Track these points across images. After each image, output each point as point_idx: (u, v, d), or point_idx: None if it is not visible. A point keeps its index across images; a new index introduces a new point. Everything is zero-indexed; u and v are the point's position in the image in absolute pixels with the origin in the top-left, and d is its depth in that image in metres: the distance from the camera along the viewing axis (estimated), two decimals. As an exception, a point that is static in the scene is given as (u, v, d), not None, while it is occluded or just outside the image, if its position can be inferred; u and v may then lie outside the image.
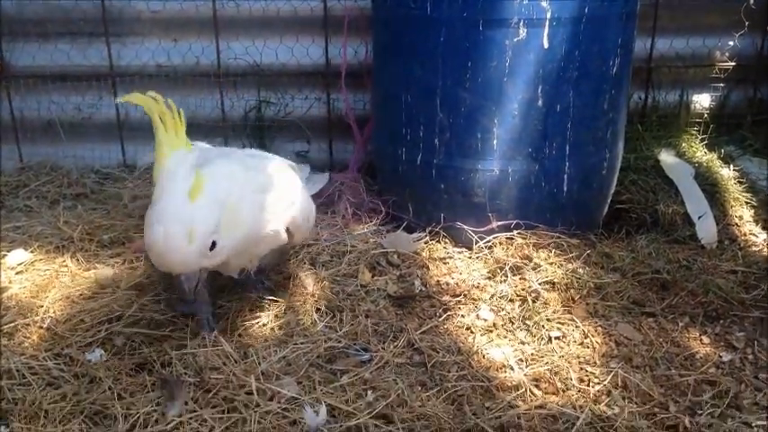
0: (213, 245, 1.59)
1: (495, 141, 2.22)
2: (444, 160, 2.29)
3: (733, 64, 3.04)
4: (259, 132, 3.07)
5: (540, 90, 2.17)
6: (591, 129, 2.28)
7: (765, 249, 2.34)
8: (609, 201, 2.54)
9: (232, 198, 1.63)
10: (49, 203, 2.77)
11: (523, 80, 2.17)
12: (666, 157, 2.85)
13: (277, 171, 1.88)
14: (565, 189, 2.30)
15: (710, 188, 2.65)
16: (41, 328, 1.87)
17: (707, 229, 2.45)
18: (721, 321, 1.94)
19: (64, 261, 2.23)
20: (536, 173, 2.26)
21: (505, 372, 1.74)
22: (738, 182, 2.70)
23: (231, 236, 1.62)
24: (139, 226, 2.43)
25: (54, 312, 1.95)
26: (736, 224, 2.51)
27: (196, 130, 2.99)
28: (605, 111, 2.29)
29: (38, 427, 1.54)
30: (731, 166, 2.80)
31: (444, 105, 2.23)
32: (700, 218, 2.49)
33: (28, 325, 1.89)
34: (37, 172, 2.99)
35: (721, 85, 3.06)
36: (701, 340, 1.86)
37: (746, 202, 2.60)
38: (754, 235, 2.45)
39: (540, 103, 2.18)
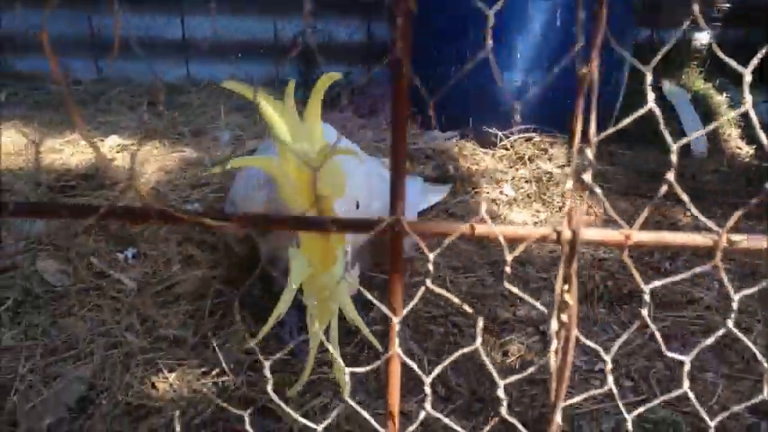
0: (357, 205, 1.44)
1: (518, 55, 2.63)
2: (474, 71, 2.69)
3: (729, 5, 3.43)
4: (305, 56, 3.48)
5: (558, 13, 2.57)
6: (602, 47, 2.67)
7: (747, 158, 2.75)
8: (615, 114, 2.94)
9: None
10: (128, 108, 3.19)
11: (543, 5, 2.57)
12: (668, 85, 3.25)
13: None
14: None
15: (705, 111, 3.06)
16: (147, 186, 2.31)
17: (699, 143, 2.86)
18: (702, 203, 2.35)
19: (153, 145, 2.66)
20: (553, 85, 2.67)
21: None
22: (729, 106, 3.10)
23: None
24: (213, 120, 2.87)
25: (154, 178, 2.38)
26: (725, 140, 2.92)
27: (252, 52, 3.41)
28: (615, 34, 2.68)
29: (159, 248, 1.98)
30: (724, 93, 3.20)
31: (475, 24, 2.63)
32: (693, 134, 2.89)
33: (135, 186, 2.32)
34: (114, 83, 3.41)
35: (719, 24, 3.45)
36: (684, 214, 2.28)
37: (736, 123, 3.00)
38: (739, 148, 2.86)
39: (558, 23, 2.58)
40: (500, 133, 2.64)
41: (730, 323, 1.68)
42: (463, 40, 2.66)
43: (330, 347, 0.90)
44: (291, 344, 1.62)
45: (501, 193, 2.36)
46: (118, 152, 2.60)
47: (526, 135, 2.68)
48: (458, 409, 1.50)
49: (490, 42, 0.56)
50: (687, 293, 1.86)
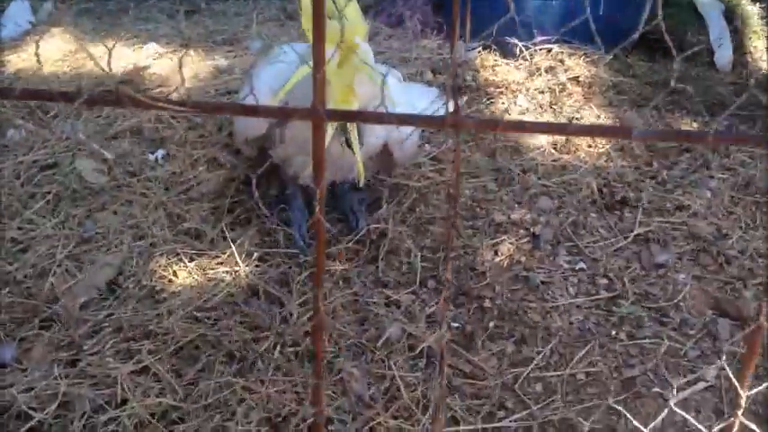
0: None
1: (542, -34, 2.65)
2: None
3: None
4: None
5: None
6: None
7: (769, 71, 2.75)
8: (641, 27, 2.94)
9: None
10: (166, 16, 3.32)
11: None
12: (701, -5, 3.21)
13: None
14: (601, 12, 2.73)
15: (735, 23, 3.03)
16: (179, 92, 2.46)
17: (723, 55, 2.86)
18: (712, 115, 2.39)
19: (187, 53, 2.80)
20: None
21: (532, 139, 2.26)
22: (761, 17, 3.06)
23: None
24: (246, 30, 2.99)
25: (186, 85, 2.53)
26: (751, 53, 2.91)
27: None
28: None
29: (187, 150, 2.14)
30: (757, 4, 3.15)
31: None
32: (720, 46, 2.89)
33: (168, 92, 2.48)
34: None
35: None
36: (690, 125, 2.33)
37: (766, 36, 2.98)
38: (763, 61, 2.85)
39: (583, -67, 2.58)
40: (520, 44, 2.69)
41: (707, 228, 1.77)
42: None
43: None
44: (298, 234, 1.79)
45: (514, 104, 2.44)
46: (155, 59, 2.75)
47: (547, 47, 2.72)
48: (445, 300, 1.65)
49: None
50: (677, 201, 1.94)
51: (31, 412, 1.34)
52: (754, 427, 0.81)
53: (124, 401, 1.37)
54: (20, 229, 1.85)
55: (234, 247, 1.75)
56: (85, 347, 1.48)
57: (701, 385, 1.45)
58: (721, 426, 1.29)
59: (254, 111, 0.65)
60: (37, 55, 2.81)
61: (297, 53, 1.52)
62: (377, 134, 1.65)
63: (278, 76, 1.59)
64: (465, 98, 2.47)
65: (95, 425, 1.33)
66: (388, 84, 1.69)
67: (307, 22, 1.38)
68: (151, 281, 1.69)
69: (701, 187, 2.02)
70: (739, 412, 0.66)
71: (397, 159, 1.78)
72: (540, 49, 2.72)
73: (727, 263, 1.76)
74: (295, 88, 1.52)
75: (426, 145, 2.20)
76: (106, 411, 1.35)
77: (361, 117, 0.66)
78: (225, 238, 1.82)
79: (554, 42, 2.74)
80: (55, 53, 2.84)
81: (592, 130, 0.66)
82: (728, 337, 1.56)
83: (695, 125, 2.32)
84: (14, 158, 2.11)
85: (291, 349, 1.49)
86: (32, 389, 1.39)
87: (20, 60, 2.74)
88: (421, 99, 2.25)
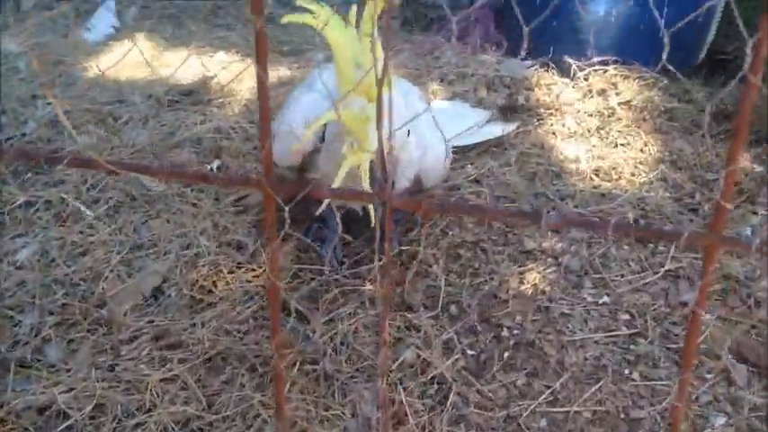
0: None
1: (602, -14, 2.64)
2: (559, 1, 2.74)
3: None
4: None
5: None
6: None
7: (840, 99, 2.65)
8: (705, 47, 2.89)
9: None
10: (242, 24, 3.46)
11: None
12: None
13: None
14: (661, 33, 2.69)
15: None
16: (240, 104, 2.59)
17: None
18: (766, 145, 2.34)
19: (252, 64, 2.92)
20: (636, 16, 2.67)
21: (574, 164, 2.27)
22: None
23: None
24: (312, 40, 3.09)
25: (246, 96, 2.65)
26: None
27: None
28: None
29: (240, 162, 2.26)
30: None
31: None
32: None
33: (230, 103, 2.61)
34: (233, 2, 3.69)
35: None
36: (742, 156, 2.29)
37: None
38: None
39: (645, -46, 2.56)
40: (574, 65, 2.70)
41: (739, 269, 1.76)
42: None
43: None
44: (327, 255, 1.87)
45: (562, 126, 2.45)
46: (223, 68, 2.88)
47: (604, 67, 2.71)
48: (464, 327, 1.70)
49: None
50: (712, 238, 1.93)
51: (69, 412, 1.47)
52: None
53: (152, 407, 1.49)
54: (81, 233, 2.00)
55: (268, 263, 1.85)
56: (123, 353, 1.61)
57: (708, 432, 1.46)
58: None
59: (205, 178, 0.73)
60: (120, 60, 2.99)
61: (323, 87, 1.61)
62: (407, 176, 1.71)
63: (312, 106, 1.68)
64: (514, 125, 2.49)
65: (125, 428, 1.46)
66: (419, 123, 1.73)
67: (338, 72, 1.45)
68: (192, 290, 1.81)
69: (743, 224, 1.99)
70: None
71: (426, 186, 1.84)
72: (597, 70, 2.71)
73: (757, 305, 1.74)
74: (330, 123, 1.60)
75: (468, 166, 2.25)
76: (135, 416, 1.47)
77: (311, 188, 0.72)
78: (264, 251, 1.92)
79: (612, 63, 2.73)
80: (134, 59, 3.01)
81: (503, 215, 0.70)
82: (745, 383, 1.56)
83: (747, 156, 2.28)
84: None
85: (310, 367, 1.58)
86: (73, 389, 1.53)
87: (102, 65, 2.93)
88: (465, 120, 2.31)
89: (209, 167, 2.29)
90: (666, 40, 0.69)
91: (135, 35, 3.25)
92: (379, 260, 1.88)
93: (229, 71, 2.85)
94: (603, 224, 0.69)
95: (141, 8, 3.63)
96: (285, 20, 1.44)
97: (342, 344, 1.64)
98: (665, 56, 0.72)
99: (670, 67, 0.78)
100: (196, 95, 2.66)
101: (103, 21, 3.38)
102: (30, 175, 2.22)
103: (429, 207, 0.78)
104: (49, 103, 2.64)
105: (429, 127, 1.73)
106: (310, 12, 1.42)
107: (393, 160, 1.55)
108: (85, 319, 1.73)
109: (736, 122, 0.65)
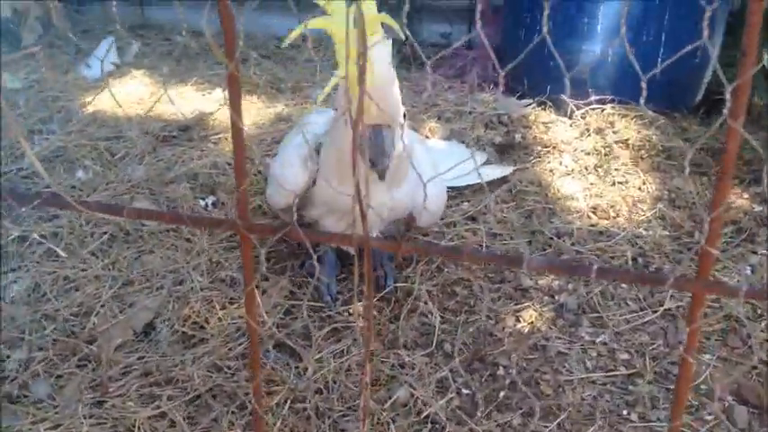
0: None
1: (598, 26, 2.66)
2: (556, 40, 2.75)
3: None
4: (410, 14, 3.62)
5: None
6: (687, 20, 2.65)
7: (838, 139, 2.65)
8: (702, 87, 2.90)
9: None
10: (242, 61, 3.48)
11: (628, -25, 2.58)
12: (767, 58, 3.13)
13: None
14: (657, 73, 2.70)
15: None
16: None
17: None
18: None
19: (252, 101, 2.93)
20: (632, 56, 2.68)
21: (572, 201, 2.26)
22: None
23: None
24: (311, 77, 3.10)
25: (246, 131, 2.65)
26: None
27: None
28: (701, 6, 2.64)
29: (235, 198, 2.25)
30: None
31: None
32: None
33: (227, 138, 2.61)
34: (231, 36, 3.71)
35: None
36: (741, 195, 2.28)
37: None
38: (833, 127, 2.75)
39: (642, -5, 2.59)
40: (571, 103, 2.70)
41: (741, 310, 1.75)
42: (552, 8, 2.71)
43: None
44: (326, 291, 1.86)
45: (560, 164, 2.44)
46: (221, 105, 2.89)
47: (600, 106, 2.72)
48: (459, 365, 1.67)
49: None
50: (713, 276, 1.90)
51: (53, 449, 1.44)
52: None
53: (139, 445, 1.46)
54: (74, 267, 1.98)
55: (260, 299, 1.83)
56: (111, 389, 1.58)
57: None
58: None
59: (178, 219, 0.72)
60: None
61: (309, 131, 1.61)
62: (405, 208, 1.73)
63: (303, 145, 1.69)
64: (510, 168, 2.49)
65: (109, 466, 1.42)
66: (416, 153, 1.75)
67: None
68: (183, 326, 1.78)
69: (742, 263, 1.98)
70: None
71: (420, 224, 1.83)
72: (594, 109, 2.71)
73: (759, 346, 1.71)
74: (325, 152, 1.62)
75: (465, 203, 2.24)
76: (121, 454, 1.44)
77: (286, 230, 0.71)
78: (258, 287, 1.90)
79: (608, 102, 2.74)
80: (133, 95, 3.03)
81: (488, 259, 0.69)
82: (746, 426, 1.53)
83: (746, 195, 2.27)
84: (79, 198, 2.27)
85: (300, 405, 1.55)
86: (59, 425, 1.49)
87: (100, 102, 2.94)
88: (450, 158, 2.30)
89: (203, 203, 2.28)
90: (642, 79, 0.68)
91: (134, 72, 3.27)
92: (379, 295, 1.86)
93: (226, 108, 2.85)
94: (587, 269, 0.68)
95: (142, 46, 3.66)
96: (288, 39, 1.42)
97: (334, 381, 1.61)
98: (642, 100, 0.72)
99: (650, 113, 0.78)
100: (193, 131, 2.67)
101: (104, 58, 3.40)
102: (24, 209, 2.21)
103: (407, 248, 0.77)
104: (46, 138, 2.65)
105: (426, 167, 1.73)
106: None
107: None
108: (74, 354, 1.70)
109: (722, 169, 0.63)
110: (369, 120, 1.39)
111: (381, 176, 1.49)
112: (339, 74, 1.40)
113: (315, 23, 1.45)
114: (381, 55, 1.41)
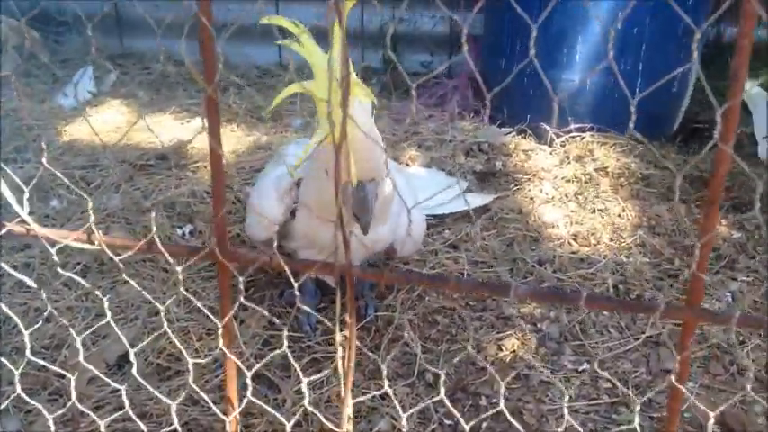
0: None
1: (577, 56, 2.68)
2: (535, 70, 2.77)
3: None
4: (392, 44, 3.63)
5: (618, 15, 2.59)
6: (663, 50, 2.68)
7: (814, 166, 2.67)
8: (680, 116, 2.92)
9: None
10: (222, 89, 3.47)
11: (605, 7, 2.60)
12: (749, 86, 3.17)
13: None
14: (635, 99, 2.72)
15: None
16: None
17: (764, 149, 2.80)
18: (744, 211, 2.34)
19: (232, 129, 2.91)
20: (610, 85, 2.70)
21: (553, 229, 2.25)
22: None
23: None
24: (292, 106, 3.09)
25: (225, 159, 2.62)
26: (796, 145, 2.84)
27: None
28: (679, 36, 2.68)
29: (212, 227, 2.22)
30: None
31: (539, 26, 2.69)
32: (764, 138, 2.84)
33: (205, 167, 2.58)
34: (211, 65, 3.70)
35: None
36: (720, 222, 2.28)
37: (812, 128, 2.90)
38: (809, 155, 2.78)
39: (618, 25, 2.60)
40: (551, 132, 2.71)
41: (721, 336, 1.73)
42: (528, 37, 2.73)
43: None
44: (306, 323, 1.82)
45: (540, 191, 2.44)
46: (199, 134, 2.86)
47: (580, 134, 2.73)
48: (440, 395, 1.64)
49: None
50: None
51: (20, 487, 1.38)
52: None
53: (110, 482, 1.41)
54: (46, 299, 1.94)
55: (237, 330, 1.80)
56: (83, 425, 1.53)
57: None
58: None
59: (150, 248, 0.70)
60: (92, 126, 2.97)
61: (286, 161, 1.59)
62: (386, 242, 1.73)
63: (283, 178, 1.68)
64: (490, 197, 2.48)
65: (79, 504, 1.37)
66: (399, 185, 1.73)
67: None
68: (158, 358, 1.74)
69: (723, 290, 1.97)
70: None
71: (401, 254, 1.81)
72: (573, 137, 2.72)
73: (740, 373, 1.70)
74: (305, 186, 1.61)
75: (446, 231, 2.22)
76: (91, 491, 1.39)
77: (265, 260, 0.69)
78: (236, 317, 1.86)
79: (588, 130, 2.75)
80: (110, 123, 3.00)
81: (474, 287, 0.67)
82: (731, 453, 1.51)
83: (724, 222, 2.27)
84: (53, 227, 2.23)
85: (279, 438, 1.51)
86: (27, 463, 1.44)
87: (76, 130, 2.90)
88: (430, 186, 2.29)
89: (180, 232, 2.24)
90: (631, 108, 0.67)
91: (111, 101, 3.24)
92: (359, 324, 1.83)
93: (205, 136, 2.83)
94: (575, 297, 0.66)
95: (120, 74, 3.64)
96: (265, 20, 1.39)
97: (313, 413, 1.57)
98: (632, 124, 0.71)
99: (638, 135, 0.77)
100: (171, 159, 2.64)
101: (81, 86, 3.37)
102: (-4, 239, 2.16)
103: (390, 278, 0.75)
104: (21, 167, 2.61)
105: (406, 196, 1.71)
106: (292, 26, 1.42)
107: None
108: (45, 389, 1.65)
109: (710, 194, 0.62)
110: (352, 176, 1.41)
111: (365, 231, 1.48)
112: (320, 131, 1.44)
113: (294, 88, 1.48)
114: (361, 114, 1.40)
